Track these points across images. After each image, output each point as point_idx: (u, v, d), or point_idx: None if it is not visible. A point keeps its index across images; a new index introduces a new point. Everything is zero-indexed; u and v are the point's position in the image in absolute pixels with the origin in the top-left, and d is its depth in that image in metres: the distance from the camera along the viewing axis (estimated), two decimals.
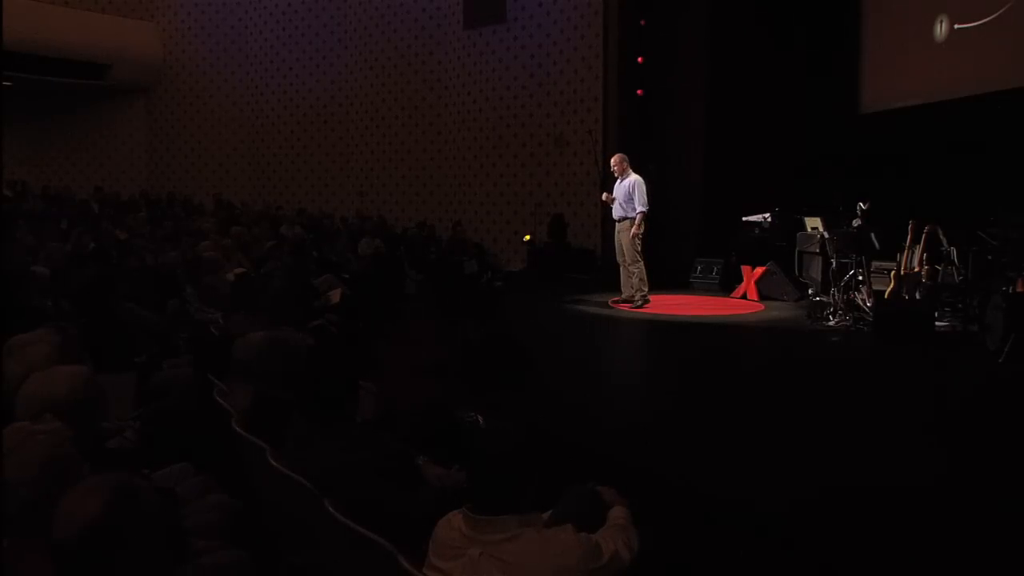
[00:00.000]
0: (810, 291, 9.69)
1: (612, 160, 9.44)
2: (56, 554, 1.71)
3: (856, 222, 8.18)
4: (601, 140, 12.27)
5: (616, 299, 9.48)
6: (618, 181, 9.27)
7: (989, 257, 7.16)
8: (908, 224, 7.86)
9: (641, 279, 9.13)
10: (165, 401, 3.82)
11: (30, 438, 2.00)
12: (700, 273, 10.95)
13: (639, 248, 9.07)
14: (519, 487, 2.02)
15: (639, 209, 8.99)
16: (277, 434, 2.71)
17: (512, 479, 2.02)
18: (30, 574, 1.84)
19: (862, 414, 5.17)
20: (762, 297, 9.79)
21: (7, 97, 13.54)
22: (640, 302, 9.10)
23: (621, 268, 9.41)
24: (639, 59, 12.13)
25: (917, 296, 7.58)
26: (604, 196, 9.49)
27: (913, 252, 7.76)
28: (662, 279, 9.42)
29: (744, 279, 10.06)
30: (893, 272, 7.94)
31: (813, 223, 9.74)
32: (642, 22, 12.11)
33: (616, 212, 9.25)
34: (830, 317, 8.10)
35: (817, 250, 9.40)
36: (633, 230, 9.00)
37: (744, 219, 10.60)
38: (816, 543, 3.35)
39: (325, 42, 15.28)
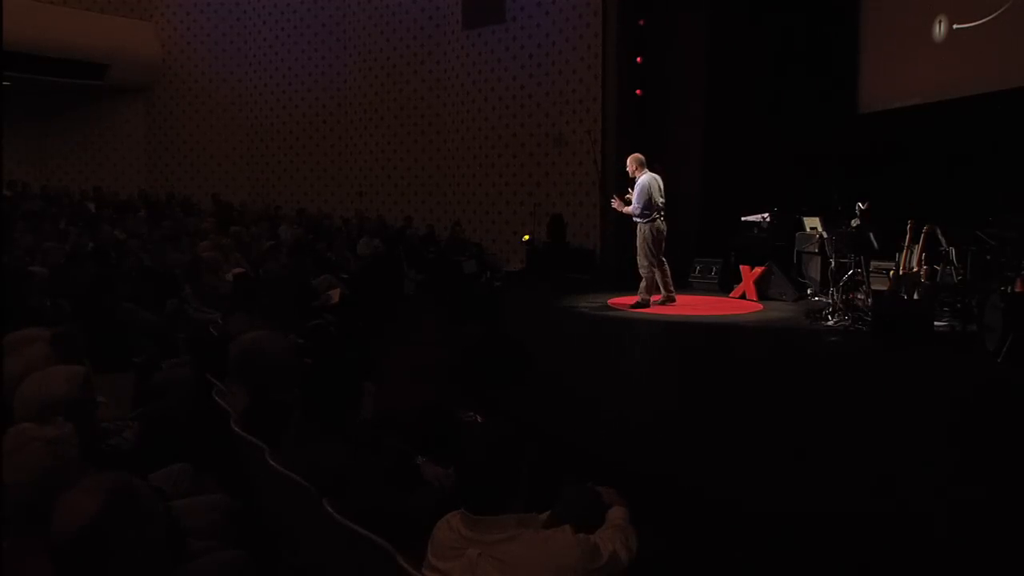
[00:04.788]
0: (809, 291, 9.71)
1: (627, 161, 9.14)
2: (55, 554, 1.71)
3: (855, 222, 8.19)
4: (600, 140, 12.27)
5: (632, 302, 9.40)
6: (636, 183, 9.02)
7: (988, 257, 7.16)
8: (907, 224, 7.86)
9: (647, 284, 9.06)
10: (164, 401, 3.83)
11: (31, 442, 2.00)
12: (699, 273, 10.93)
13: (650, 253, 8.93)
14: (505, 484, 2.01)
15: (632, 212, 8.87)
16: (276, 434, 2.71)
17: (496, 476, 2.00)
18: (29, 574, 1.84)
19: (861, 415, 5.17)
20: (761, 297, 9.78)
21: (6, 97, 13.53)
22: (642, 303, 9.09)
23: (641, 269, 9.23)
24: (639, 59, 12.14)
25: (916, 296, 7.58)
26: (615, 203, 9.22)
27: (912, 252, 7.76)
28: None
29: (743, 279, 10.06)
30: (892, 272, 7.94)
31: (812, 223, 9.76)
32: (641, 22, 12.12)
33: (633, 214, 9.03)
34: (829, 317, 8.10)
35: (816, 250, 9.42)
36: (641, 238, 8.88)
37: (743, 219, 10.61)
38: (815, 544, 3.35)
39: (325, 42, 15.27)
